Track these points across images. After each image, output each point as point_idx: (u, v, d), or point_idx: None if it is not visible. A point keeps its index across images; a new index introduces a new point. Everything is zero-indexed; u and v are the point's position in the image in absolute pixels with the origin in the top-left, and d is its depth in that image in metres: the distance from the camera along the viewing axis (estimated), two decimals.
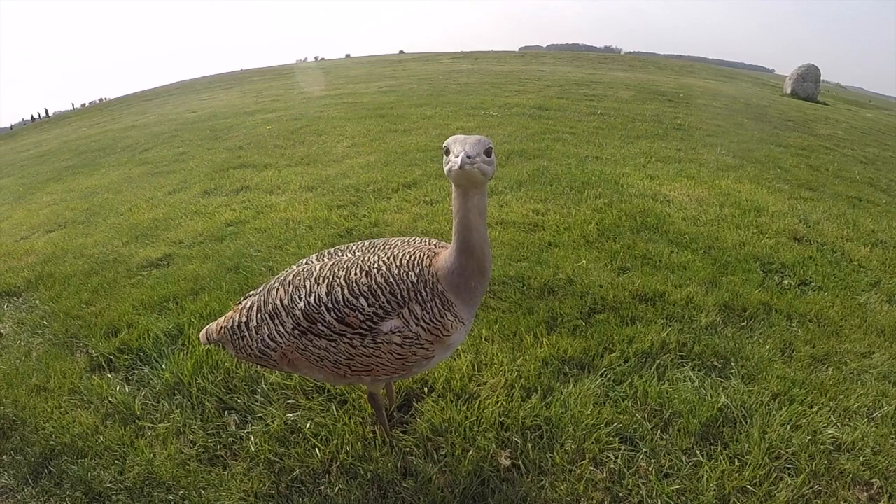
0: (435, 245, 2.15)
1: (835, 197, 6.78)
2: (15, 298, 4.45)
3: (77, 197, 7.82)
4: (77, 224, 6.31)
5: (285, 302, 2.09)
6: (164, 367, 3.15)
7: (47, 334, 3.78)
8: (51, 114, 46.14)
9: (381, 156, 7.69)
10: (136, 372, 3.19)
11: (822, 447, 2.57)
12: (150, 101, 27.67)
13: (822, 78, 23.72)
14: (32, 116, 44.16)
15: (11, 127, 41.20)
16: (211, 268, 4.38)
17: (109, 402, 2.95)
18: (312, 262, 2.19)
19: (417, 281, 1.99)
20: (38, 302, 4.28)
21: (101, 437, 2.72)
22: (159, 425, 2.76)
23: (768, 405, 2.80)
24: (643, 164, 7.20)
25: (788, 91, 23.27)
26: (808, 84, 23.02)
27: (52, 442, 2.73)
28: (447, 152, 1.82)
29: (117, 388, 3.04)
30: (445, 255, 2.02)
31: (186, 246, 5.00)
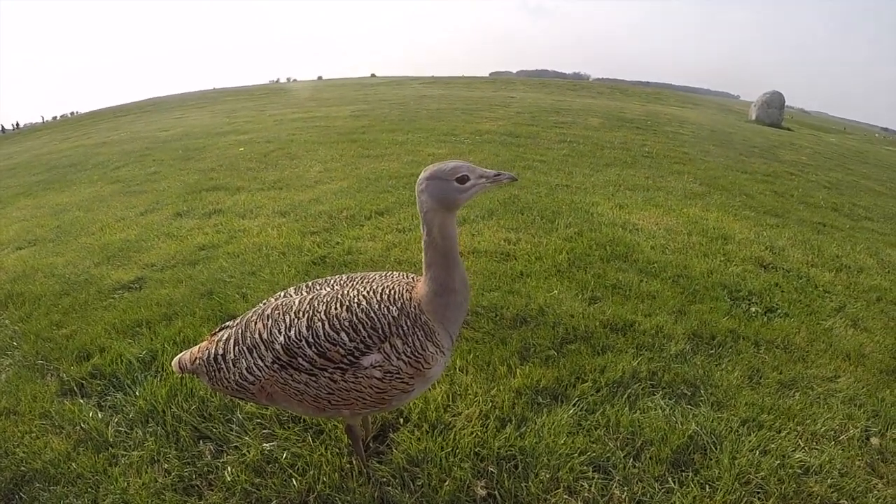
0: (413, 279, 2.20)
1: (800, 223, 6.95)
2: None
3: (47, 214, 7.69)
4: (47, 242, 6.21)
5: (264, 336, 2.10)
6: (137, 393, 3.12)
7: (17, 356, 3.72)
8: (21, 125, 45.43)
9: (353, 182, 7.69)
10: (108, 398, 3.15)
11: (790, 471, 2.64)
12: (122, 118, 27.39)
13: (786, 104, 24.34)
14: (3, 128, 43.40)
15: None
16: (184, 293, 4.34)
17: (82, 427, 2.91)
18: (291, 296, 2.21)
19: (399, 314, 2.03)
20: (7, 322, 4.22)
21: (74, 464, 2.68)
22: (133, 453, 2.73)
23: (737, 431, 2.87)
24: (612, 193, 7.30)
25: (753, 117, 23.84)
26: (773, 110, 23.62)
27: (22, 468, 2.69)
28: (464, 180, 1.96)
29: (90, 414, 3.00)
30: (424, 281, 2.07)
31: (159, 269, 4.94)
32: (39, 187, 10.12)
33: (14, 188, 10.57)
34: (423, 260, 2.05)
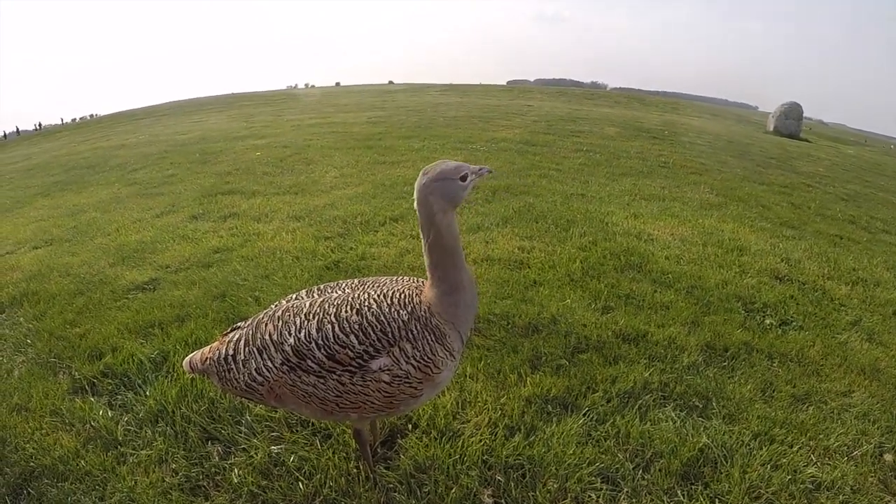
0: (421, 283, 2.20)
1: (816, 235, 6.87)
2: None
3: (64, 214, 7.78)
4: (64, 242, 6.27)
5: (275, 337, 2.11)
6: (147, 393, 3.14)
7: (30, 353, 3.76)
8: (42, 126, 46.14)
9: (368, 187, 7.70)
10: (119, 397, 3.17)
11: (801, 486, 2.60)
12: (140, 121, 27.69)
13: (804, 115, 24.19)
14: (18, 128, 44.13)
15: (5, 136, 41.23)
16: (197, 295, 4.36)
17: (91, 425, 2.93)
18: (302, 298, 2.22)
19: (409, 318, 2.03)
20: (21, 319, 4.25)
21: (83, 462, 2.70)
22: (142, 452, 2.75)
23: (749, 445, 2.83)
24: (628, 202, 7.26)
25: (771, 128, 23.70)
26: (791, 121, 23.48)
27: (32, 463, 2.71)
28: (465, 178, 2.01)
29: (100, 413, 3.01)
30: (432, 283, 2.08)
31: (173, 271, 4.97)
32: (57, 188, 10.24)
33: (32, 188, 10.71)
34: (426, 263, 2.06)
